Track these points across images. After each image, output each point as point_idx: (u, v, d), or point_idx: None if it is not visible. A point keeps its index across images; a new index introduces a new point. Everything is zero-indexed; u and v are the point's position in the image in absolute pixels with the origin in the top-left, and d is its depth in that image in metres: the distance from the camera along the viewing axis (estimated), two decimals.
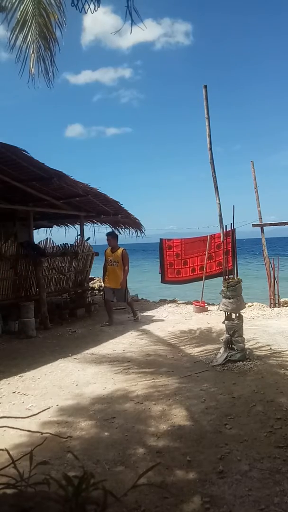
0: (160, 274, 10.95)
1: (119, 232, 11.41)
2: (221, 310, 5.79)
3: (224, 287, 4.88)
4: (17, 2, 4.82)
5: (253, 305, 9.26)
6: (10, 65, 4.86)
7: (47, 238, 8.71)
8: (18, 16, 4.86)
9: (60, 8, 4.95)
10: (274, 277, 9.20)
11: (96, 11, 3.97)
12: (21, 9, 4.85)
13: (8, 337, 6.80)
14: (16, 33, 4.91)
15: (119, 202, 9.53)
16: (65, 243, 9.05)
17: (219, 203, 5.19)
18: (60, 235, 11.92)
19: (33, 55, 4.89)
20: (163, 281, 10.97)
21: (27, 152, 6.42)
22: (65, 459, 2.65)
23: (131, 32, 3.64)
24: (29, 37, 4.90)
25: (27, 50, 4.92)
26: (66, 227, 12.03)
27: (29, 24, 4.87)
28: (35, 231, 10.75)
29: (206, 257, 10.01)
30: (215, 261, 10.04)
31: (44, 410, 3.49)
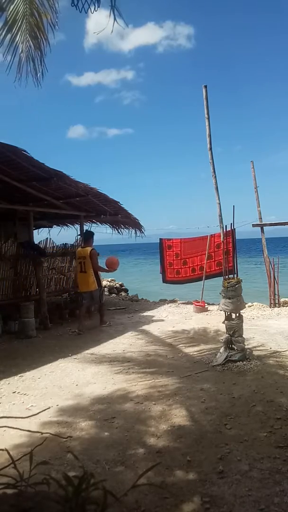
0: (161, 274, 10.96)
1: (119, 232, 11.43)
2: (221, 310, 5.79)
3: (224, 287, 4.88)
4: (6, 1, 4.81)
5: (253, 305, 9.26)
6: (12, 66, 4.86)
7: (47, 238, 8.72)
8: (7, 16, 4.85)
9: (52, 8, 4.94)
10: (274, 277, 9.20)
11: (96, 11, 3.97)
12: (11, 9, 4.83)
13: (8, 337, 6.80)
14: (4, 32, 4.90)
15: (119, 202, 9.53)
16: (65, 243, 9.05)
17: (219, 203, 5.20)
18: (60, 234, 11.93)
19: (22, 54, 4.88)
20: (164, 281, 10.99)
21: (27, 152, 6.42)
22: (65, 459, 2.65)
23: (112, 25, 3.71)
24: (18, 37, 4.89)
25: (15, 50, 4.91)
26: (66, 227, 12.04)
27: (19, 24, 4.86)
28: (35, 231, 10.75)
29: (206, 256, 10.00)
30: (215, 260, 10.03)
31: (44, 410, 3.50)
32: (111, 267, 7.49)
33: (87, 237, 7.60)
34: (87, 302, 7.41)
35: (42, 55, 5.02)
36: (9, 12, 4.80)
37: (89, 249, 7.24)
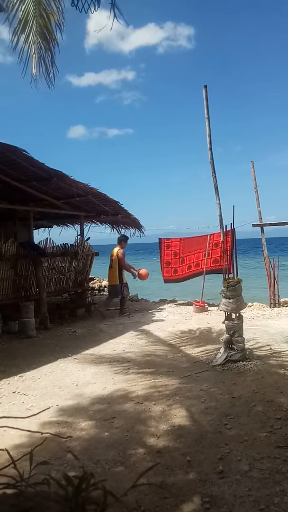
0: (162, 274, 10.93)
1: (119, 232, 11.45)
2: (221, 310, 5.79)
3: (224, 287, 4.88)
4: (18, 2, 4.80)
5: (253, 305, 9.26)
6: (13, 67, 4.86)
7: (47, 238, 8.71)
8: (20, 16, 4.84)
9: (59, 9, 4.93)
10: (274, 277, 9.20)
11: (96, 11, 3.98)
12: (22, 9, 4.82)
13: (8, 337, 6.80)
14: (18, 33, 4.90)
15: (119, 202, 9.53)
16: (65, 243, 9.05)
17: (219, 203, 5.19)
18: (61, 235, 11.94)
19: (34, 55, 4.88)
20: (164, 280, 10.97)
21: (27, 152, 6.42)
22: (65, 459, 2.65)
23: (112, 23, 3.73)
24: (30, 37, 4.87)
25: (29, 51, 4.90)
26: (66, 227, 12.03)
27: (31, 24, 4.85)
28: (35, 231, 10.75)
29: (206, 254, 9.99)
30: (211, 258, 10.04)
31: (44, 410, 3.50)
32: (142, 276, 9.21)
33: (119, 240, 9.14)
34: (111, 293, 9.03)
35: (53, 55, 5.02)
36: (21, 12, 4.79)
37: (117, 249, 8.82)
